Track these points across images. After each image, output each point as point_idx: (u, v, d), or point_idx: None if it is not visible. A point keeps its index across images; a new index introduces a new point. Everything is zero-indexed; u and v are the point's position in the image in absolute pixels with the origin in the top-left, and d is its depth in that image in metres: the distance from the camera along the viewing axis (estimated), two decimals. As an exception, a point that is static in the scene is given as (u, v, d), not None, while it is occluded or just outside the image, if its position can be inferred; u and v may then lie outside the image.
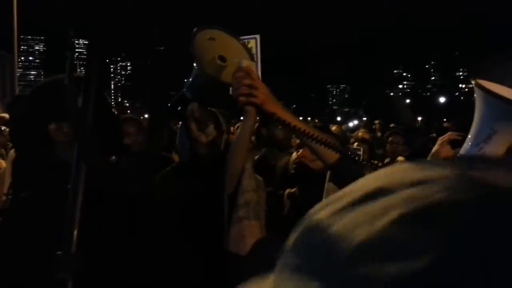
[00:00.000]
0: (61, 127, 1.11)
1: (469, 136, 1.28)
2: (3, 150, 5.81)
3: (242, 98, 1.22)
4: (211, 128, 1.51)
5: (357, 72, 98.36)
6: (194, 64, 1.36)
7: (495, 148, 1.24)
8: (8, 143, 6.14)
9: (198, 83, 1.41)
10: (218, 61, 1.33)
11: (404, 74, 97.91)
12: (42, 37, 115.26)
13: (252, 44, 2.61)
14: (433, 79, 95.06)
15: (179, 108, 1.44)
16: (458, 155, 1.30)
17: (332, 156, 1.24)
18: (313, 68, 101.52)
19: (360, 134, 6.38)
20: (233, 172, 1.41)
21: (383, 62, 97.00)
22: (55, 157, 1.11)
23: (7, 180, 1.51)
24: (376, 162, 3.62)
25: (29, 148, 1.18)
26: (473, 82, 1.27)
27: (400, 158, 3.36)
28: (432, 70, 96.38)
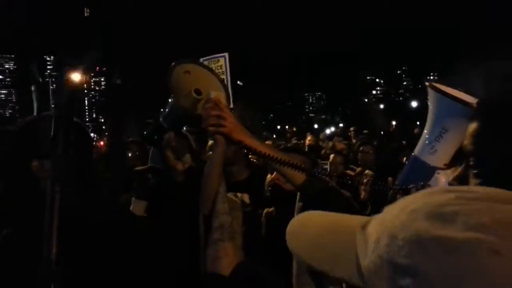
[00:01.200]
0: (42, 164, 1.13)
1: (422, 136, 1.35)
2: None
3: (211, 128, 1.31)
4: (187, 157, 1.57)
5: (332, 79, 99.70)
6: (171, 97, 1.44)
7: (447, 146, 1.29)
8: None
9: (175, 114, 1.48)
10: (194, 94, 1.40)
11: (377, 80, 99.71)
12: (12, 56, 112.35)
13: (221, 62, 2.64)
14: (404, 84, 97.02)
15: (155, 136, 1.50)
16: (413, 154, 1.37)
17: (299, 177, 1.31)
18: (290, 77, 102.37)
19: (336, 144, 6.54)
20: (207, 196, 1.47)
21: (356, 68, 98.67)
22: (38, 194, 1.10)
23: None
24: (347, 175, 3.69)
25: (13, 185, 1.19)
26: (426, 84, 1.35)
27: (367, 172, 3.50)
28: (403, 75, 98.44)
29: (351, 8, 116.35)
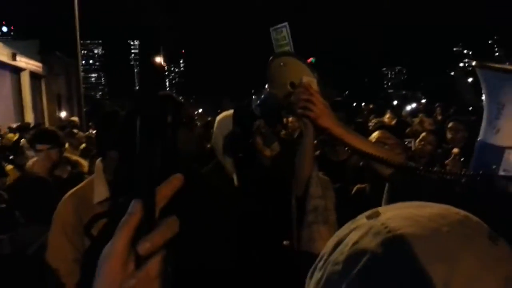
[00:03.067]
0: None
1: (483, 120, 1.26)
2: (76, 151, 6.27)
3: (299, 111, 1.34)
4: (275, 145, 1.64)
5: (413, 52, 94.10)
6: (266, 86, 1.50)
7: (509, 122, 1.20)
8: (84, 148, 6.57)
9: (268, 104, 1.54)
10: (289, 87, 1.45)
11: (465, 51, 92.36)
12: (100, 41, 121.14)
13: (284, 32, 2.65)
14: (497, 55, 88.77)
15: (247, 122, 1.58)
16: (478, 139, 1.28)
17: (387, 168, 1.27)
18: (366, 51, 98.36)
19: (423, 120, 6.12)
20: (300, 179, 1.51)
21: (440, 40, 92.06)
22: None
23: (97, 187, 1.65)
24: (436, 168, 3.46)
25: (127, 156, 1.28)
26: (474, 63, 1.25)
27: (455, 150, 3.22)
28: (495, 45, 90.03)
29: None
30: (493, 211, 1.28)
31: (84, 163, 3.94)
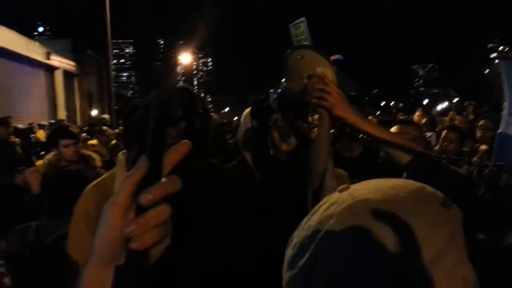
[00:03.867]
0: (169, 132, 1.23)
1: (503, 112, 1.23)
2: (104, 148, 6.43)
3: (314, 101, 1.33)
4: (292, 139, 1.61)
5: (445, 49, 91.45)
6: (283, 80, 1.49)
7: None
8: (113, 144, 6.73)
9: (285, 98, 1.53)
10: (306, 80, 1.44)
11: (501, 48, 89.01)
12: (131, 40, 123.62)
13: (302, 28, 2.64)
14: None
15: (263, 116, 1.57)
16: (499, 131, 1.25)
17: (405, 156, 1.25)
18: (396, 48, 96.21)
19: (453, 117, 5.94)
20: (316, 172, 1.49)
21: (474, 36, 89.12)
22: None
23: (119, 179, 1.67)
24: (463, 152, 3.37)
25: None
26: (494, 55, 1.22)
27: (482, 147, 3.11)
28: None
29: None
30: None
31: (97, 157, 4.08)
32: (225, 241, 1.29)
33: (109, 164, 5.49)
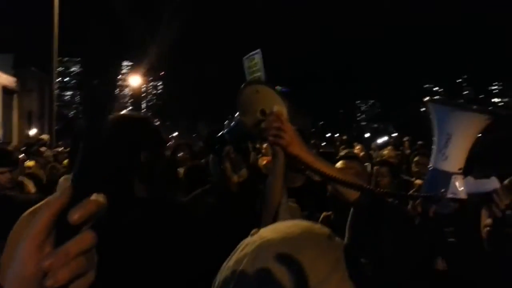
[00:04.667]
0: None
1: (433, 147, 1.38)
2: (41, 171, 6.09)
3: (271, 138, 1.38)
4: (243, 171, 1.65)
5: (386, 87, 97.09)
6: (237, 113, 1.53)
7: (457, 151, 1.34)
8: (51, 166, 6.38)
9: (238, 130, 1.57)
10: (259, 115, 1.49)
11: (435, 88, 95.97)
12: (78, 59, 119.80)
13: (256, 59, 2.69)
14: (465, 93, 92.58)
15: (217, 146, 1.60)
16: (429, 166, 1.39)
17: (353, 193, 1.33)
18: (342, 84, 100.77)
19: (385, 153, 6.29)
20: (271, 207, 1.52)
21: (413, 77, 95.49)
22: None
23: None
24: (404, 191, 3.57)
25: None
26: (425, 99, 1.40)
27: (417, 181, 3.34)
28: (464, 84, 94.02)
29: (406, 10, 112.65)
30: (441, 228, 1.37)
31: (29, 183, 3.97)
32: (159, 273, 1.27)
33: (46, 187, 5.21)
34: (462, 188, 1.29)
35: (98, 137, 0.49)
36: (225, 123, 1.64)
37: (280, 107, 1.42)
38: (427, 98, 1.46)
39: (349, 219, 1.66)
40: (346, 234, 1.53)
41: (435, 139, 1.41)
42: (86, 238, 0.44)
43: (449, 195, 1.27)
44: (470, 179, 1.35)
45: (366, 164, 4.02)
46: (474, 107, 1.32)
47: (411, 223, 1.38)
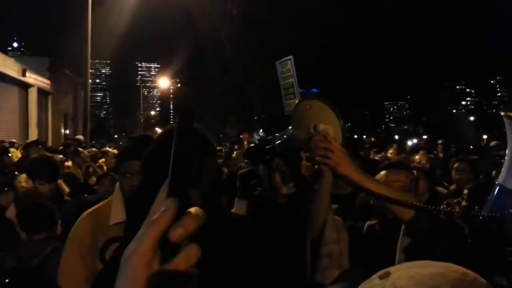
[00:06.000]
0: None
1: (505, 163, 1.30)
2: (78, 170, 6.27)
3: (318, 158, 1.35)
4: (292, 184, 1.63)
5: (416, 88, 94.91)
6: (290, 127, 1.51)
7: None
8: (87, 165, 6.56)
9: (290, 144, 1.55)
10: (312, 130, 1.45)
11: (468, 90, 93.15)
12: (108, 61, 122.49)
13: (288, 65, 2.74)
14: (499, 95, 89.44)
15: (267, 157, 1.58)
16: (497, 183, 1.33)
17: (407, 213, 1.28)
18: (370, 85, 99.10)
19: (417, 157, 6.11)
20: (315, 224, 1.52)
21: (444, 77, 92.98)
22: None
23: (115, 209, 1.67)
24: (437, 192, 3.46)
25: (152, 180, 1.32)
26: (502, 113, 1.32)
27: (440, 189, 3.26)
28: (497, 85, 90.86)
29: (439, 9, 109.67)
30: (503, 246, 1.32)
31: (65, 187, 4.07)
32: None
33: (82, 187, 5.36)
34: None
35: (188, 147, 0.48)
36: (276, 135, 1.62)
37: (326, 126, 1.38)
38: (502, 112, 1.39)
39: (400, 240, 1.59)
40: (397, 257, 1.49)
41: (508, 154, 1.34)
42: (192, 254, 0.44)
43: None
44: None
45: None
46: None
47: (468, 242, 1.34)
